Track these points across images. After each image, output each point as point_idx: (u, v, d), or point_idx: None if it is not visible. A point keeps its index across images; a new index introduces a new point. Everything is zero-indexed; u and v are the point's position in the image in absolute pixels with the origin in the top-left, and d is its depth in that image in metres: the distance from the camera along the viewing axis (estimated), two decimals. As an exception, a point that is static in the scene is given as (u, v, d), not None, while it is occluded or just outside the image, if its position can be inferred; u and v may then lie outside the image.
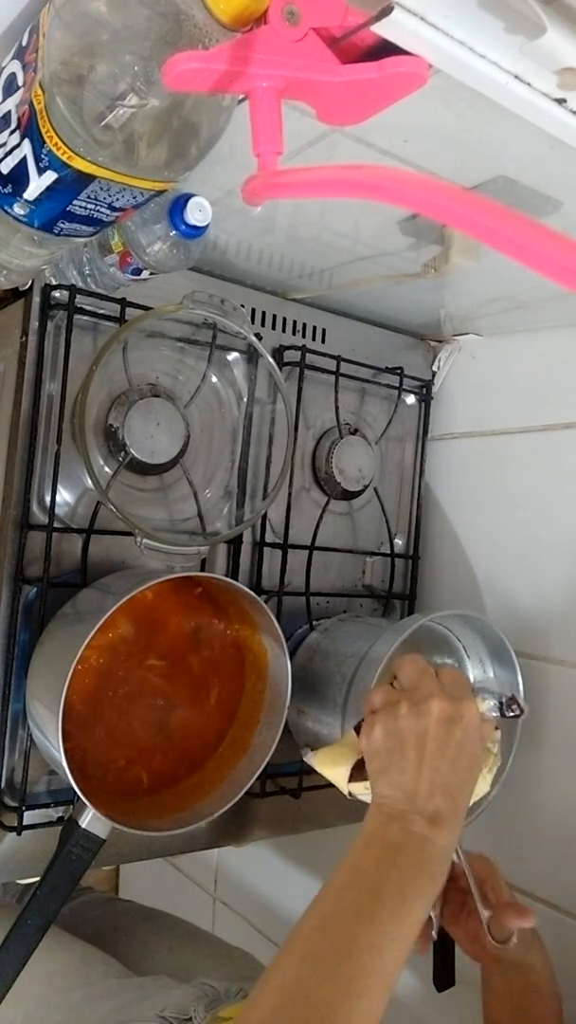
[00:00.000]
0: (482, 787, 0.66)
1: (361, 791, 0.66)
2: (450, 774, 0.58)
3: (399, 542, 1.00)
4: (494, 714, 0.64)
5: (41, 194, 0.51)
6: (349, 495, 0.94)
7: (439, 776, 0.58)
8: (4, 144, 0.50)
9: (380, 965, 0.50)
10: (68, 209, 0.52)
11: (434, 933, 0.70)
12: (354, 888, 0.54)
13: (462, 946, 0.72)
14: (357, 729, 0.66)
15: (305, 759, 0.70)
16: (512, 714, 0.65)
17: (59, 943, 0.86)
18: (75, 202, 0.51)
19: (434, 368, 1.04)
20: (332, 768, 0.68)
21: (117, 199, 0.51)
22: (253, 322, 0.88)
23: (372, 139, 0.58)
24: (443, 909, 0.71)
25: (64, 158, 0.47)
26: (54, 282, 0.73)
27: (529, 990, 0.70)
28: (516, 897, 0.72)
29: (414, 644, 0.86)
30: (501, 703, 0.64)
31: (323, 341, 0.93)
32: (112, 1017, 0.76)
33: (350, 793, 0.67)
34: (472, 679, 0.85)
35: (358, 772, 0.66)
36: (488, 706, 0.63)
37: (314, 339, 0.93)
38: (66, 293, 0.73)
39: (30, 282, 0.72)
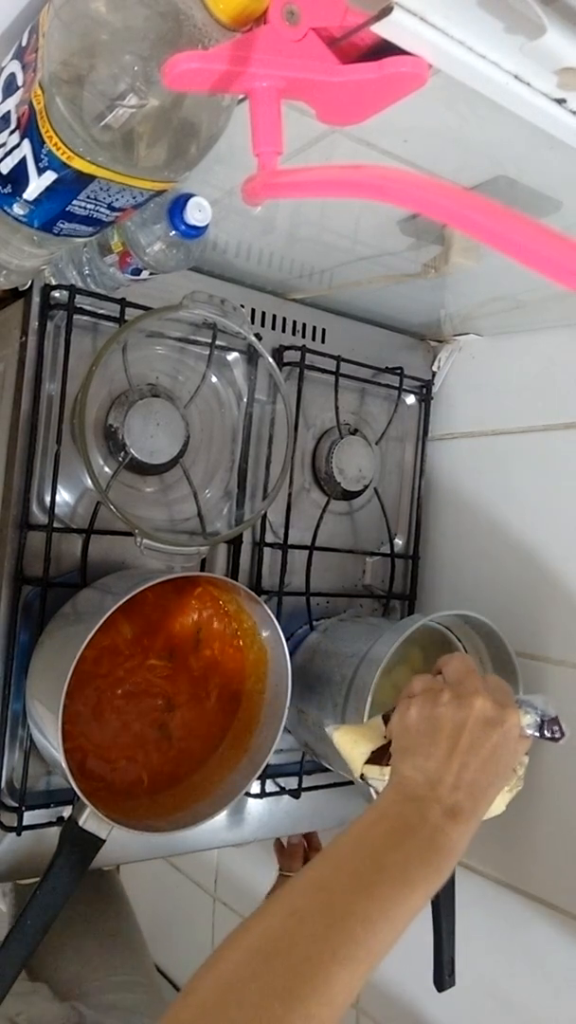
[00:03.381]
0: (499, 805, 0.64)
1: (374, 775, 0.65)
2: (477, 773, 0.57)
3: (399, 542, 1.00)
4: (532, 732, 0.61)
5: (41, 194, 0.51)
6: (349, 495, 0.94)
7: (467, 772, 0.56)
8: (4, 144, 0.50)
9: (371, 940, 0.48)
10: (68, 209, 0.52)
11: None
12: (356, 858, 0.53)
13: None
14: (385, 719, 0.66)
15: (327, 731, 0.69)
16: (551, 736, 0.62)
17: None
18: (75, 202, 0.51)
19: (434, 368, 1.04)
20: (352, 747, 0.67)
21: (117, 199, 0.51)
22: (253, 322, 0.88)
23: (372, 139, 0.58)
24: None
25: (64, 158, 0.47)
26: (54, 282, 0.73)
27: None
28: None
29: (414, 644, 0.86)
30: (543, 722, 0.62)
31: (323, 341, 0.93)
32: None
33: (362, 776, 0.66)
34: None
35: (375, 758, 0.65)
36: (528, 721, 0.61)
37: (314, 339, 0.93)
38: (66, 293, 0.73)
39: (30, 282, 0.72)
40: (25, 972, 0.85)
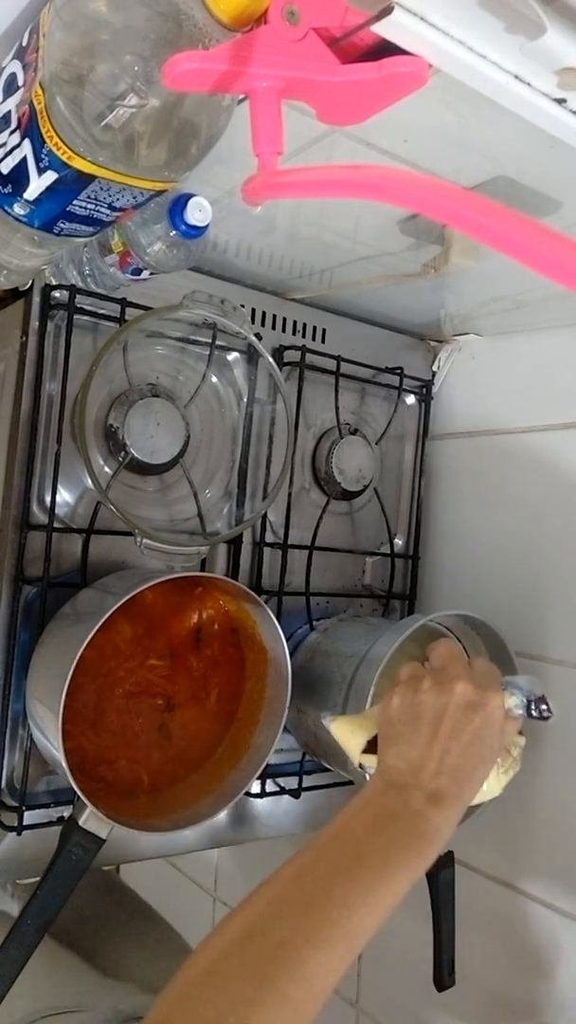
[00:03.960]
0: (495, 787, 0.65)
1: (371, 764, 0.65)
2: (460, 758, 0.57)
3: (399, 542, 1.00)
4: (519, 711, 0.62)
5: (41, 194, 0.51)
6: (349, 495, 0.94)
7: (448, 757, 0.57)
8: (4, 144, 0.50)
9: (347, 924, 0.49)
10: (68, 209, 0.52)
11: None
12: (338, 846, 0.54)
13: None
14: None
15: (324, 722, 0.69)
16: (539, 715, 0.62)
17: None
18: (75, 202, 0.51)
19: (434, 368, 1.04)
20: (349, 737, 0.67)
21: (117, 199, 0.51)
22: (253, 322, 0.88)
23: (372, 139, 0.58)
24: None
25: (64, 158, 0.47)
26: (54, 282, 0.73)
27: None
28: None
29: (414, 644, 0.86)
30: (529, 702, 0.62)
31: (323, 341, 0.93)
32: (71, 1000, 0.76)
33: (360, 765, 0.67)
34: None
35: (372, 746, 0.66)
36: (514, 702, 0.62)
37: (314, 339, 0.93)
38: (66, 293, 0.73)
39: (30, 282, 0.72)
40: (100, 972, 0.89)
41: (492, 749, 0.60)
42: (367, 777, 0.67)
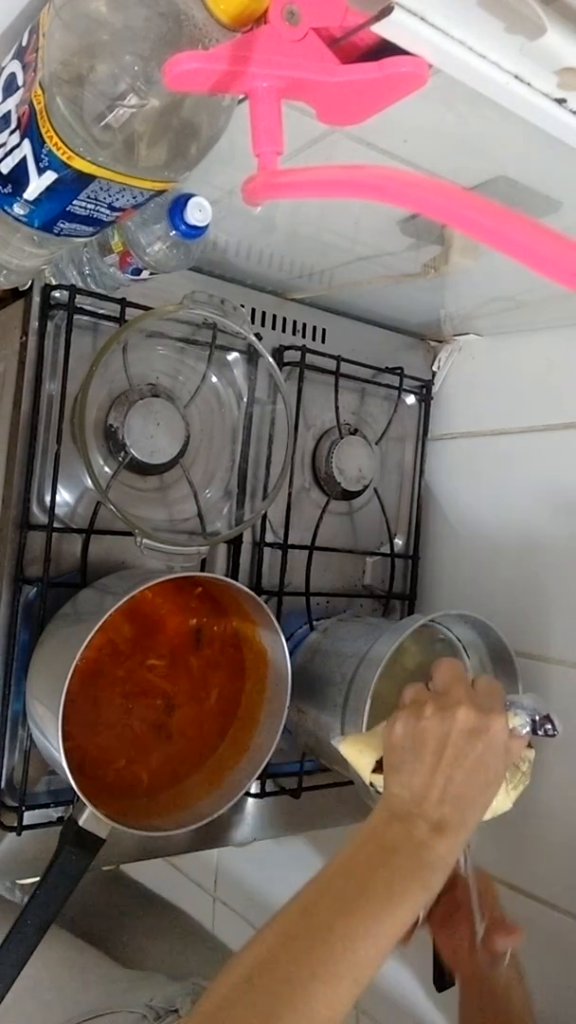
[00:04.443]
0: (504, 803, 0.65)
1: (382, 783, 0.66)
2: (464, 785, 0.57)
3: (399, 542, 1.00)
4: (525, 731, 0.61)
5: (41, 194, 0.51)
6: (349, 495, 0.94)
7: (452, 785, 0.57)
8: (4, 144, 0.50)
9: (351, 957, 0.49)
10: (68, 209, 0.52)
11: (414, 929, 0.68)
12: (342, 879, 0.54)
13: (442, 954, 0.71)
14: None
15: (333, 742, 0.69)
16: (544, 734, 0.62)
17: (55, 932, 0.86)
18: (75, 202, 0.51)
19: (434, 368, 1.04)
20: (358, 756, 0.67)
21: (117, 199, 0.51)
22: (253, 322, 0.88)
23: (372, 139, 0.58)
24: (431, 911, 0.70)
25: (64, 158, 0.47)
26: (54, 282, 0.73)
27: (505, 1021, 0.68)
28: (506, 913, 0.70)
29: (414, 644, 0.86)
30: (534, 720, 0.62)
31: (323, 341, 0.93)
32: (102, 1002, 0.77)
33: (371, 784, 0.67)
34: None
35: (382, 765, 0.65)
36: (519, 722, 0.61)
37: (314, 339, 0.93)
38: (66, 293, 0.73)
39: (30, 282, 0.72)
40: (125, 966, 0.90)
41: (496, 773, 0.59)
42: (378, 792, 0.66)
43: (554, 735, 0.62)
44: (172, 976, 0.84)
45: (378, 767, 0.65)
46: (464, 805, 0.57)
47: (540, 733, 0.62)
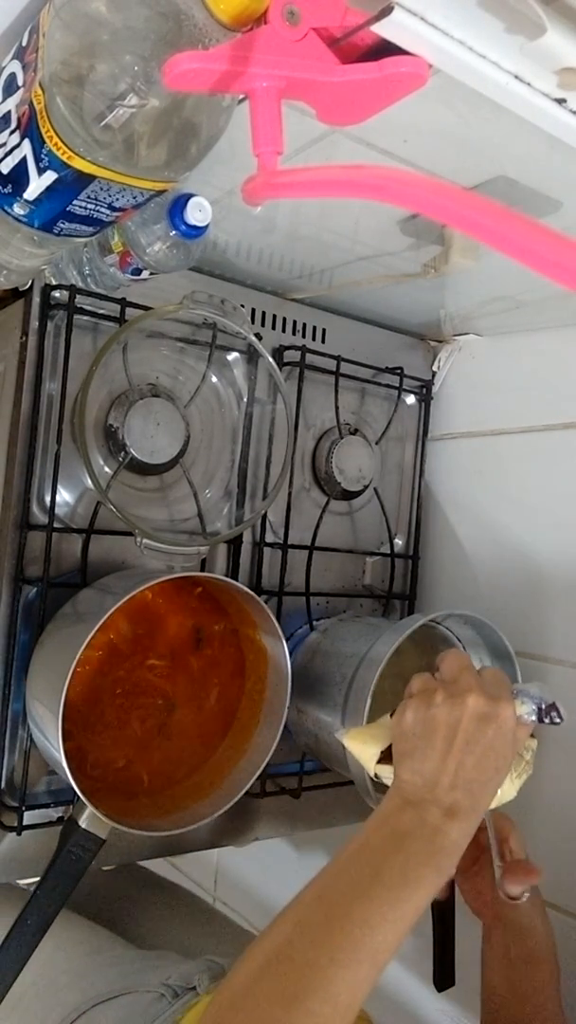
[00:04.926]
0: (509, 791, 0.65)
1: (387, 774, 0.66)
2: (474, 770, 0.58)
3: (399, 542, 1.00)
4: (531, 719, 0.62)
5: (41, 194, 0.51)
6: (349, 495, 0.94)
7: (463, 770, 0.57)
8: (4, 144, 0.50)
9: (370, 941, 0.50)
10: (68, 209, 0.52)
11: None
12: (357, 864, 0.55)
13: (468, 901, 0.72)
14: (393, 714, 0.66)
15: (336, 735, 0.70)
16: (550, 722, 0.62)
17: (67, 915, 0.87)
18: (75, 202, 0.51)
19: (434, 368, 1.04)
20: (362, 748, 0.67)
21: (117, 199, 0.51)
22: (253, 322, 0.88)
23: (372, 139, 0.58)
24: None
25: (64, 158, 0.47)
26: (54, 282, 0.73)
27: (529, 955, 0.70)
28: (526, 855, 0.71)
29: (414, 644, 0.86)
30: (540, 708, 0.62)
31: (323, 341, 0.93)
32: (117, 983, 0.77)
33: (376, 775, 0.67)
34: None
35: (387, 756, 0.66)
36: (526, 710, 0.62)
37: (314, 339, 0.93)
38: (66, 293, 0.73)
39: (30, 282, 0.72)
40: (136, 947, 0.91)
41: (505, 759, 0.60)
42: (377, 781, 0.67)
43: (559, 723, 0.63)
44: (186, 953, 0.84)
45: (382, 758, 0.66)
46: (475, 790, 0.58)
47: (546, 721, 0.62)
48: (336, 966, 0.49)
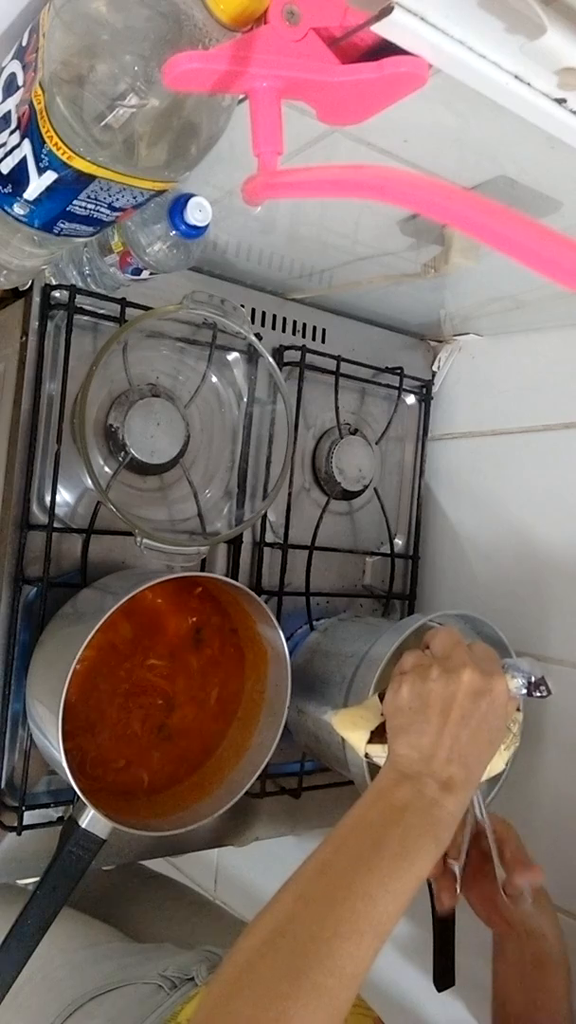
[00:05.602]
0: (498, 764, 0.67)
1: (378, 753, 0.67)
2: (469, 744, 0.59)
3: (399, 542, 1.00)
4: (522, 692, 0.64)
5: (41, 194, 0.51)
6: (349, 495, 0.94)
7: (458, 744, 0.58)
8: (4, 144, 0.50)
9: (372, 913, 0.51)
10: (68, 209, 0.52)
11: (457, 887, 0.70)
12: (356, 837, 0.55)
13: (477, 911, 0.72)
14: (381, 696, 0.67)
15: (325, 718, 0.70)
16: (540, 695, 0.64)
17: (64, 910, 0.87)
18: (75, 202, 0.51)
19: (434, 368, 1.04)
20: (352, 729, 0.69)
21: (117, 199, 0.51)
22: (253, 322, 0.88)
23: (372, 139, 0.58)
24: (464, 867, 0.71)
25: (64, 158, 0.47)
26: (54, 282, 0.73)
27: (540, 959, 0.70)
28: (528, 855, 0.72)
29: (414, 644, 0.86)
30: (529, 683, 0.64)
31: (323, 341, 0.93)
32: (115, 976, 0.78)
33: (367, 755, 0.68)
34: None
35: (377, 736, 0.67)
36: (516, 684, 0.63)
37: (314, 339, 0.93)
38: (66, 293, 0.73)
39: (30, 282, 0.72)
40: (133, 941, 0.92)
41: (498, 732, 0.62)
42: (378, 765, 0.67)
43: (546, 696, 0.64)
44: (182, 945, 0.84)
45: (373, 738, 0.66)
46: (470, 763, 0.59)
47: (536, 694, 0.64)
48: (340, 939, 0.49)
